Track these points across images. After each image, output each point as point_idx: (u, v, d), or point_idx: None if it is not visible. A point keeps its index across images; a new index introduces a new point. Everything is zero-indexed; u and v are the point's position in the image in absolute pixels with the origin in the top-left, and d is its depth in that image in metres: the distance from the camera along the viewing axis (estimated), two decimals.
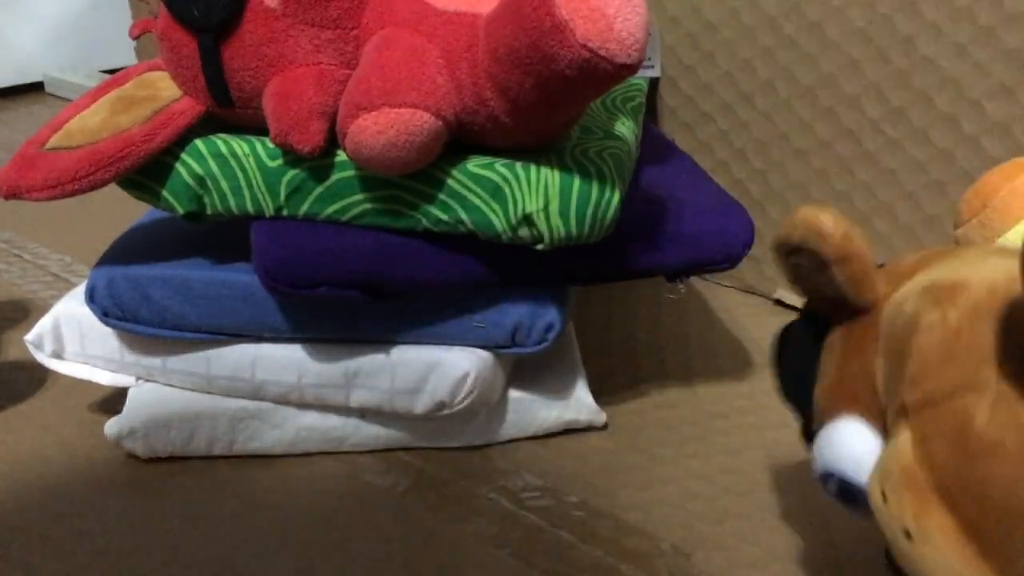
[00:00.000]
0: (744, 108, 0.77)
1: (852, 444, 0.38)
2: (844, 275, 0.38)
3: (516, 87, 0.45)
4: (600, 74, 0.42)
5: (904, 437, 0.34)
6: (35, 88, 1.49)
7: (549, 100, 0.45)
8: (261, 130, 0.51)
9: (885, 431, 0.37)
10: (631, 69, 0.42)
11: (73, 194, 0.50)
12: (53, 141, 0.50)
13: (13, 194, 0.50)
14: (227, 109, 0.52)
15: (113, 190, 0.53)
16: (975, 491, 0.31)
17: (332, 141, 0.50)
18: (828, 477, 0.39)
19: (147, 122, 0.50)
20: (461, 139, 0.50)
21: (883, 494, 0.34)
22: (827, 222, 0.38)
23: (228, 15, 0.48)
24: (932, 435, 0.33)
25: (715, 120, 0.79)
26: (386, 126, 0.46)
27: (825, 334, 0.42)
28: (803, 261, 0.40)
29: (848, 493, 0.38)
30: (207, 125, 0.53)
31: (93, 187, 0.50)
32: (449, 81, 0.47)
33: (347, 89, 0.48)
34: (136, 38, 0.53)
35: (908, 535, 0.33)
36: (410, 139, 0.46)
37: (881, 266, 0.41)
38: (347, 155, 0.49)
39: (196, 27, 0.49)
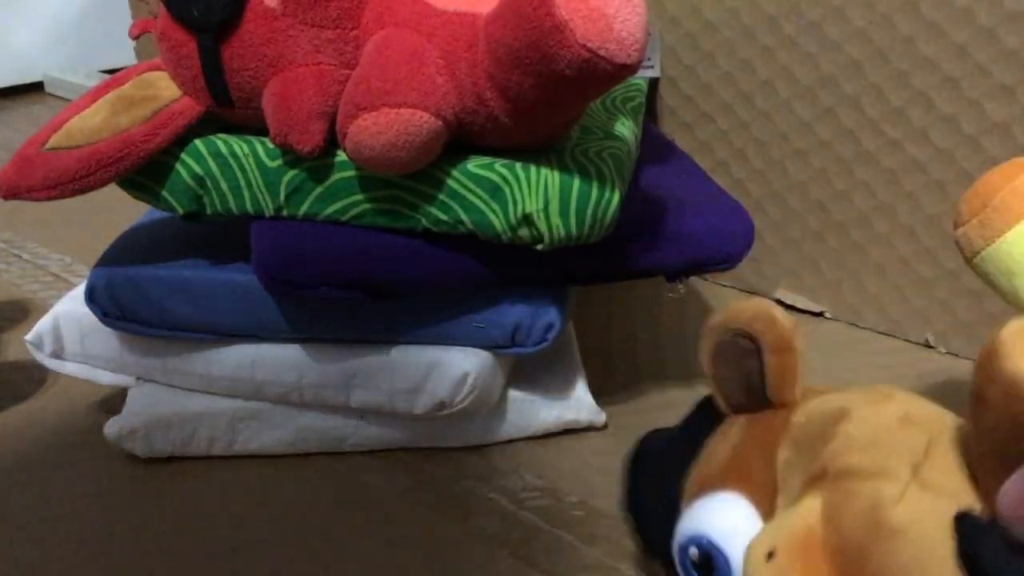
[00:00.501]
0: (744, 108, 0.77)
1: (731, 513, 0.39)
2: (776, 366, 0.40)
3: (516, 87, 0.45)
4: (600, 74, 0.42)
5: (813, 502, 0.35)
6: (35, 88, 1.49)
7: (549, 100, 0.45)
8: (261, 130, 0.51)
9: (766, 515, 0.38)
10: (631, 69, 0.42)
11: (73, 194, 0.50)
12: (53, 141, 0.50)
13: (13, 194, 0.50)
14: (227, 109, 0.52)
15: (113, 190, 0.53)
16: (873, 566, 0.32)
17: (332, 141, 0.50)
18: (691, 543, 0.39)
19: (147, 122, 0.50)
20: (461, 139, 0.50)
21: (770, 553, 0.35)
22: (779, 313, 0.40)
23: (228, 15, 0.48)
24: (845, 504, 0.34)
25: (715, 120, 0.79)
26: (386, 126, 0.46)
27: (712, 425, 0.43)
28: (736, 344, 0.41)
29: (707, 561, 0.38)
30: (207, 125, 0.53)
31: (93, 187, 0.50)
32: (449, 81, 0.47)
33: (347, 89, 0.48)
34: (136, 38, 0.53)
35: None
36: (410, 139, 0.46)
37: None
38: (347, 155, 0.49)
39: (196, 27, 0.49)
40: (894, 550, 0.32)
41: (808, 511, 0.35)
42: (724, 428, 0.43)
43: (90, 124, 0.50)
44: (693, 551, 0.38)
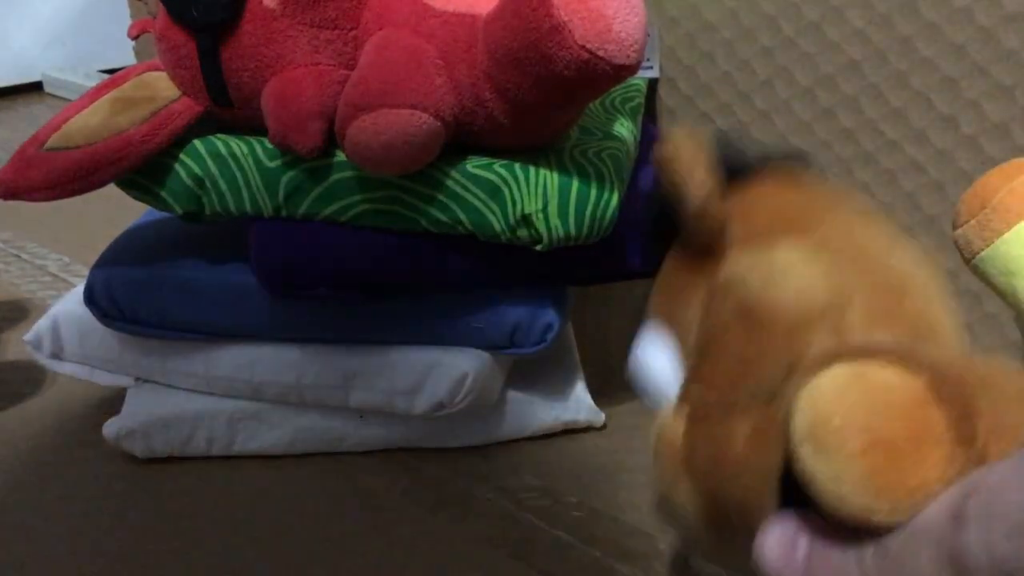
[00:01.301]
0: (743, 108, 0.77)
1: (653, 346, 0.40)
2: (698, 224, 0.37)
3: (514, 88, 0.45)
4: (599, 75, 0.42)
5: (676, 423, 0.35)
6: (34, 88, 1.49)
7: (548, 101, 0.45)
8: (260, 130, 0.51)
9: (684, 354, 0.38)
10: (630, 70, 0.42)
11: (72, 194, 0.50)
12: (52, 141, 0.50)
13: (11, 194, 0.50)
14: (226, 109, 0.52)
15: (113, 190, 0.53)
16: (719, 495, 0.33)
17: (331, 142, 0.50)
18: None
19: (145, 122, 0.50)
20: (460, 140, 0.50)
21: (655, 457, 0.36)
22: (699, 176, 0.36)
23: (227, 15, 0.48)
24: (699, 443, 0.34)
25: (714, 120, 0.79)
26: (384, 127, 0.46)
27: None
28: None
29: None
30: (206, 125, 0.53)
31: (92, 187, 0.50)
32: (448, 82, 0.47)
33: (345, 90, 0.48)
34: (135, 38, 0.53)
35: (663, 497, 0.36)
36: (408, 140, 0.46)
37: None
38: (346, 156, 0.48)
39: (195, 27, 0.49)
40: (733, 487, 0.32)
41: (670, 432, 0.35)
42: (669, 256, 0.41)
43: (89, 124, 0.50)
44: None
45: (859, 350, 0.28)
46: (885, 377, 0.26)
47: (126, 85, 0.52)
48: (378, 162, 0.47)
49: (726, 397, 0.33)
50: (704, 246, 0.38)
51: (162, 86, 0.52)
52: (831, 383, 0.27)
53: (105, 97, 0.51)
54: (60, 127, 0.50)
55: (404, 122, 0.46)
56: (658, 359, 0.39)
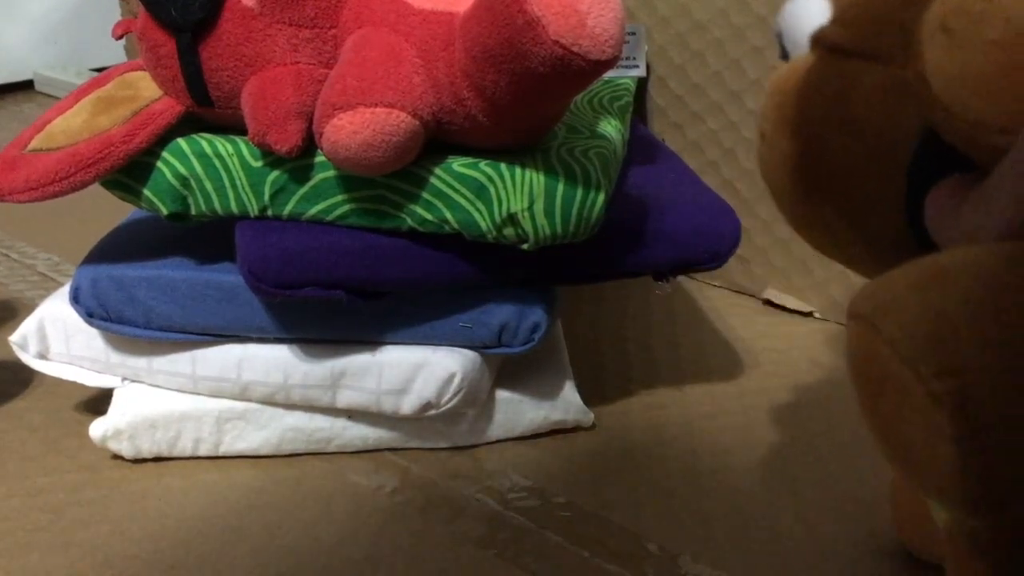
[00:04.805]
0: (734, 108, 0.77)
1: (801, 2, 0.37)
2: None
3: (492, 86, 0.45)
4: (575, 71, 0.42)
5: (802, 63, 0.33)
6: (25, 86, 1.48)
7: (525, 98, 0.45)
8: (243, 129, 0.51)
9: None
10: (606, 65, 0.42)
11: (55, 196, 0.50)
12: (34, 143, 0.50)
13: None
14: (207, 109, 0.52)
15: (103, 189, 0.53)
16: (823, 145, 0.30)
17: (314, 141, 0.49)
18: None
19: (127, 122, 0.50)
20: (442, 139, 0.50)
21: (769, 95, 0.34)
22: None
23: (205, 15, 0.48)
24: (823, 78, 0.32)
25: (705, 120, 0.79)
26: (361, 126, 0.46)
27: None
28: None
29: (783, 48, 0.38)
30: (191, 125, 0.53)
31: (74, 188, 0.50)
32: (426, 80, 0.47)
33: (324, 89, 0.47)
34: (119, 38, 0.52)
35: (763, 136, 0.34)
36: (386, 139, 0.46)
37: None
38: (324, 155, 0.48)
39: (174, 27, 0.48)
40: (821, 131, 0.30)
41: (790, 75, 0.33)
42: None
43: (71, 125, 0.50)
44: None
45: None
46: None
47: (109, 85, 0.52)
48: (356, 162, 0.47)
49: (866, 42, 0.30)
50: None
51: (144, 86, 0.52)
52: None
53: (88, 98, 0.51)
54: (43, 128, 0.50)
55: (381, 121, 0.45)
56: (808, 8, 0.36)
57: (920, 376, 0.24)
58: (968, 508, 0.25)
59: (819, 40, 0.33)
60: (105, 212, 0.65)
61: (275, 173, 0.51)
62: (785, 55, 0.38)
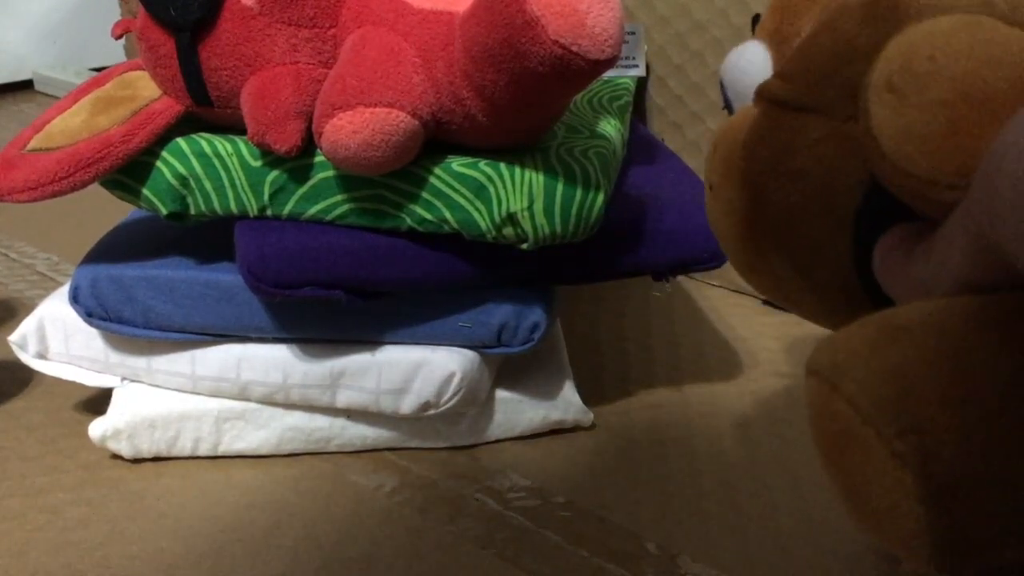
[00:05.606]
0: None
1: (746, 57, 0.38)
2: None
3: (491, 85, 0.45)
4: (574, 70, 0.42)
5: (746, 115, 0.34)
6: (24, 86, 1.48)
7: (524, 98, 0.45)
8: (242, 129, 0.51)
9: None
10: (606, 65, 0.42)
11: (54, 195, 0.50)
12: (34, 143, 0.50)
13: None
14: (206, 109, 0.52)
15: (102, 189, 0.53)
16: (769, 195, 0.31)
17: (313, 141, 0.49)
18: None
19: (126, 122, 0.50)
20: (441, 138, 0.50)
21: (714, 147, 0.35)
22: None
23: (204, 14, 0.48)
24: (768, 130, 0.32)
25: (704, 120, 0.79)
26: (361, 125, 0.46)
27: None
28: None
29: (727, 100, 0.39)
30: (190, 125, 0.53)
31: (73, 188, 0.50)
32: (426, 80, 0.47)
33: (323, 88, 0.47)
34: (118, 38, 0.52)
35: (710, 187, 0.34)
36: (386, 138, 0.46)
37: None
38: (323, 155, 0.48)
39: (173, 26, 0.48)
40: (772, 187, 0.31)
41: (737, 130, 0.33)
42: None
43: (70, 125, 0.50)
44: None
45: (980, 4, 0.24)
46: (1005, 33, 0.23)
47: (108, 85, 0.52)
48: (355, 161, 0.47)
49: (809, 96, 0.30)
50: None
51: (143, 85, 0.52)
52: (935, 26, 0.23)
53: (87, 97, 0.51)
54: (43, 128, 0.50)
55: (381, 121, 0.45)
56: (752, 63, 0.37)
57: (882, 435, 0.24)
58: (934, 564, 0.25)
59: (763, 94, 0.33)
60: (105, 212, 0.65)
61: (274, 173, 0.51)
62: (729, 106, 0.39)
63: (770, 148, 0.31)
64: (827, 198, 0.30)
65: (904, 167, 0.24)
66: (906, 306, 0.26)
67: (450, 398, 0.57)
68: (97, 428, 0.58)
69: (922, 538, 0.24)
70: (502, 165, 0.50)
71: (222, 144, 0.52)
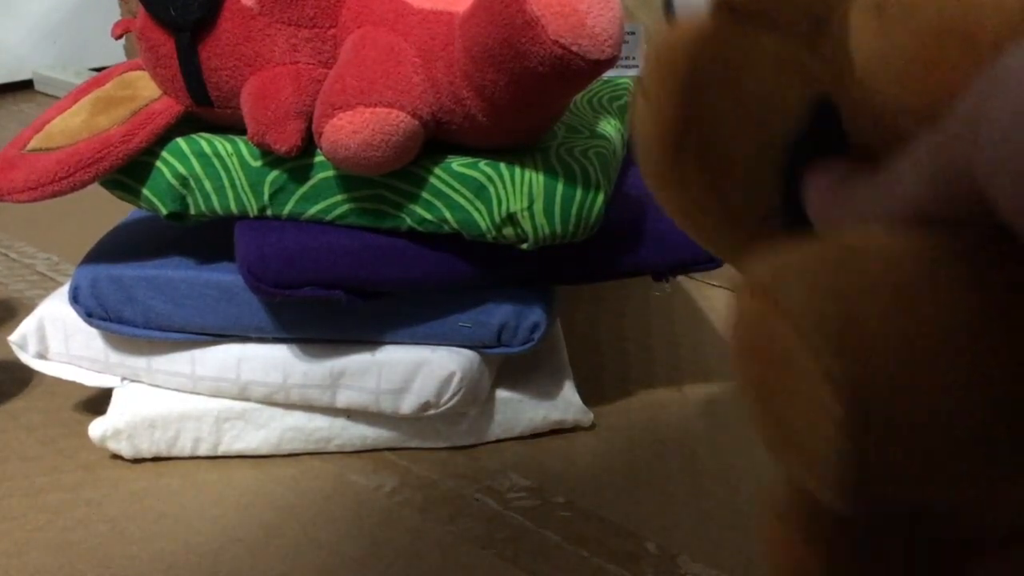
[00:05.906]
0: None
1: None
2: None
3: (491, 85, 0.45)
4: (574, 71, 0.42)
5: (695, 33, 0.32)
6: (24, 86, 1.48)
7: (524, 98, 0.45)
8: (242, 129, 0.51)
9: None
10: (606, 65, 0.42)
11: (54, 195, 0.50)
12: (34, 143, 0.50)
13: None
14: (206, 109, 0.52)
15: (102, 189, 0.53)
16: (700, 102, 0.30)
17: (313, 141, 0.49)
18: None
19: (126, 122, 0.50)
20: (441, 139, 0.50)
21: (656, 53, 0.33)
22: None
23: (204, 14, 0.48)
24: (710, 42, 0.31)
25: None
26: (361, 125, 0.46)
27: None
28: None
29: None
30: (190, 125, 0.53)
31: (73, 188, 0.50)
32: (425, 80, 0.47)
33: (323, 88, 0.47)
34: (118, 38, 0.52)
35: (644, 93, 0.32)
36: (386, 138, 0.46)
37: None
38: (324, 155, 0.48)
39: (173, 26, 0.48)
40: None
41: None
42: None
43: (70, 125, 0.50)
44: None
45: None
46: None
47: (108, 85, 0.52)
48: (355, 161, 0.47)
49: (769, 8, 0.29)
50: None
51: (143, 85, 0.52)
52: None
53: (87, 97, 0.51)
54: (43, 128, 0.50)
55: (381, 120, 0.45)
56: None
57: (817, 351, 0.23)
58: (834, 491, 0.24)
59: (723, 2, 0.32)
60: (105, 212, 0.65)
61: (274, 173, 0.51)
62: (670, 6, 0.38)
63: (716, 60, 0.30)
64: (763, 122, 0.29)
65: (878, 89, 0.23)
66: (860, 234, 0.25)
67: (450, 398, 0.57)
68: (97, 428, 0.58)
69: (831, 462, 0.24)
70: (502, 165, 0.50)
71: (222, 144, 0.52)
